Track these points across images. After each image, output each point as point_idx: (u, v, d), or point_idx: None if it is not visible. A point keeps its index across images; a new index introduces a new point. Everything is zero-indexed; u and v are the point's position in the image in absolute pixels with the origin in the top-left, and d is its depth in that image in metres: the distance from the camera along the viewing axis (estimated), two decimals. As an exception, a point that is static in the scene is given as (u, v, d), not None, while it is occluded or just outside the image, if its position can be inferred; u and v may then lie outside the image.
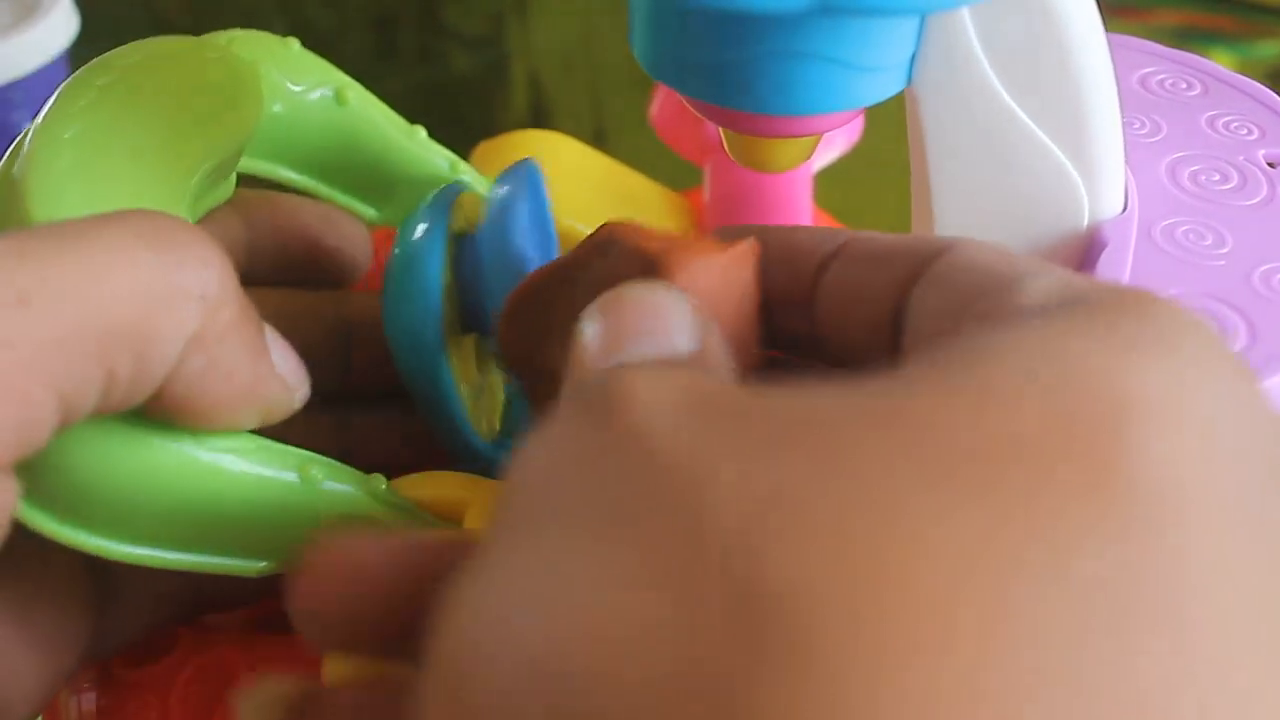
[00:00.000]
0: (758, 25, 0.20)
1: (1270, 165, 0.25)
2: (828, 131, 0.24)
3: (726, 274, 0.20)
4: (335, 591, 0.16)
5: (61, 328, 0.17)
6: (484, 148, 0.34)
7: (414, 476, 0.25)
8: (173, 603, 0.25)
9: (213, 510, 0.22)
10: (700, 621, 0.11)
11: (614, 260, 0.20)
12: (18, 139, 0.24)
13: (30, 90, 0.46)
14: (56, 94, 0.23)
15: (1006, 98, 0.22)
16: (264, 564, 0.23)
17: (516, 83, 0.51)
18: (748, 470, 0.12)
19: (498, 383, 0.29)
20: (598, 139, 0.38)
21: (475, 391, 0.28)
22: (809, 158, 0.25)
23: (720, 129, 0.24)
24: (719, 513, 0.11)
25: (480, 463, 0.27)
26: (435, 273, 0.25)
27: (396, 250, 0.26)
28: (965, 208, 0.24)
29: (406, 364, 0.26)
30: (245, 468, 0.22)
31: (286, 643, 0.25)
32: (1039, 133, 0.23)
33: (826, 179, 0.37)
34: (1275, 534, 0.12)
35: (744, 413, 0.13)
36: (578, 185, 0.33)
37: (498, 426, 0.29)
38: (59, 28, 0.47)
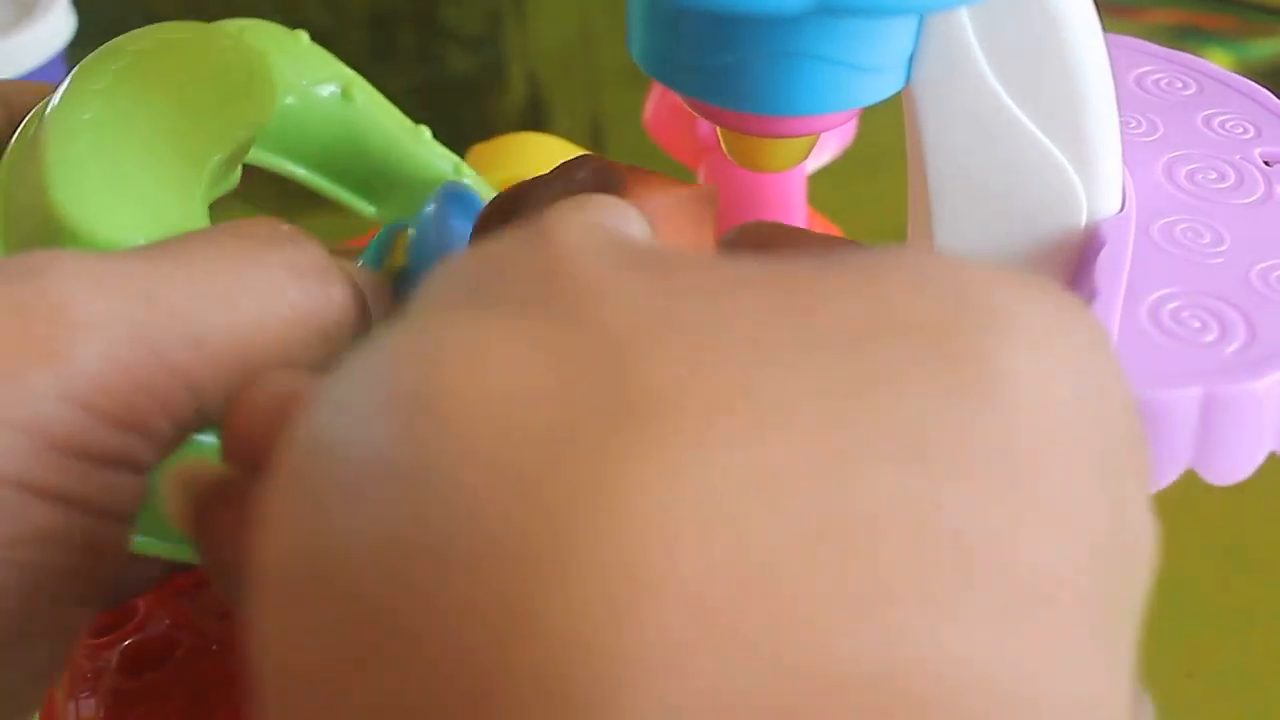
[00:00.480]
0: (756, 26, 0.20)
1: (1267, 164, 0.25)
2: (825, 131, 0.24)
3: (683, 207, 0.20)
4: (266, 418, 0.17)
5: (224, 366, 0.18)
6: (479, 150, 0.34)
7: None
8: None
9: None
10: (578, 391, 0.12)
11: (583, 178, 0.21)
12: (26, 120, 0.24)
13: (27, 90, 0.46)
14: (71, 76, 0.23)
15: (1005, 97, 0.22)
16: None
17: (514, 82, 0.51)
18: (649, 293, 0.13)
19: None
20: (595, 138, 0.38)
21: None
22: (806, 157, 0.25)
23: (717, 129, 0.24)
24: (615, 317, 0.13)
25: None
26: None
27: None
28: (963, 207, 0.24)
29: None
30: None
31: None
32: (1037, 132, 0.23)
33: (820, 180, 0.37)
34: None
35: (658, 260, 0.14)
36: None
37: None
38: (56, 28, 0.47)
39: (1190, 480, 0.34)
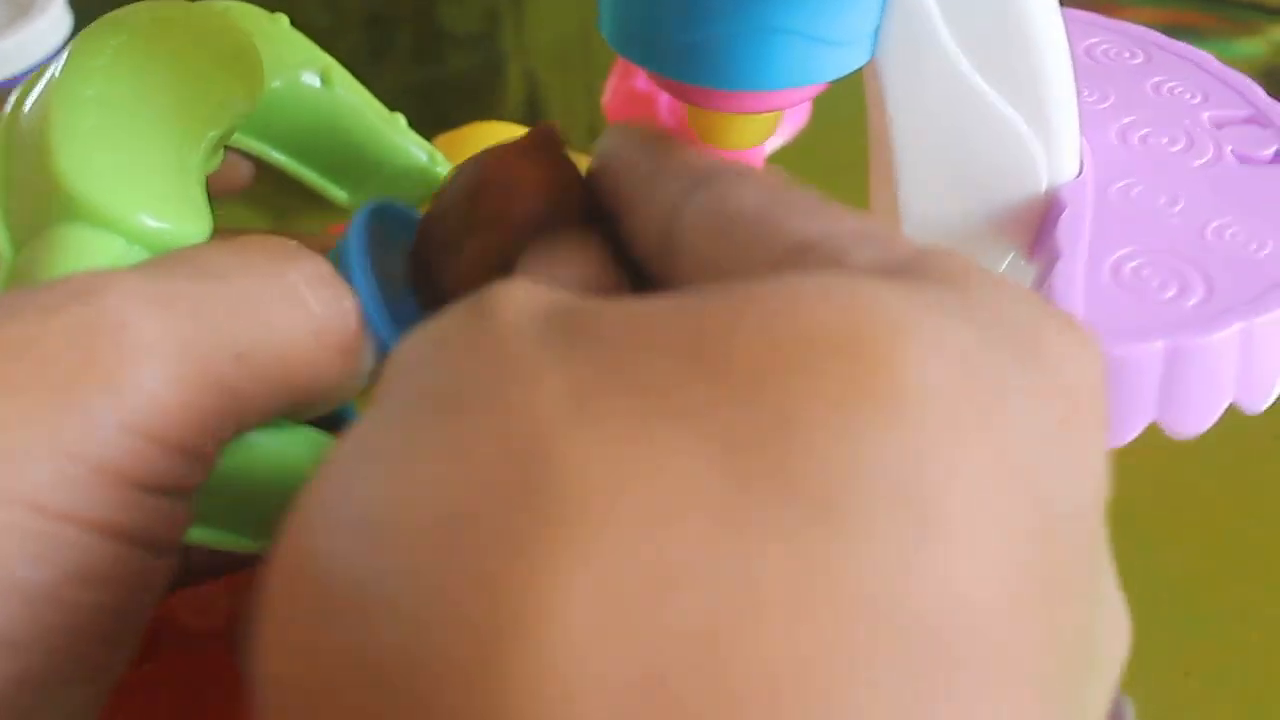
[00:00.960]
0: (719, 1, 0.21)
1: (1217, 127, 0.26)
2: (791, 106, 0.25)
3: (518, 157, 0.22)
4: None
5: (265, 381, 0.18)
6: (445, 139, 0.34)
7: None
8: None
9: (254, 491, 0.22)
10: (503, 493, 0.12)
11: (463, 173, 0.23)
12: (20, 86, 0.23)
13: (23, 90, 0.46)
14: (71, 50, 0.23)
15: (968, 68, 0.23)
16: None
17: (512, 81, 0.51)
18: (574, 369, 0.13)
19: None
20: (592, 137, 0.38)
21: None
22: (771, 134, 0.25)
23: (686, 106, 0.25)
24: (542, 403, 0.13)
25: None
26: None
27: None
28: (927, 176, 0.24)
29: None
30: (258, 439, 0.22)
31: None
32: (999, 102, 0.23)
33: (777, 162, 0.38)
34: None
35: (585, 322, 0.14)
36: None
37: None
38: (53, 27, 0.47)
39: (1189, 480, 0.34)
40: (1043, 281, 0.23)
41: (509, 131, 0.35)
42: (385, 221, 0.24)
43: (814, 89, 0.23)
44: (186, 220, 0.23)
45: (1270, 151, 0.26)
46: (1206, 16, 0.49)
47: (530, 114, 0.50)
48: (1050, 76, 0.23)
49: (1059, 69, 0.23)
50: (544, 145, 0.22)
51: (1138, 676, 0.32)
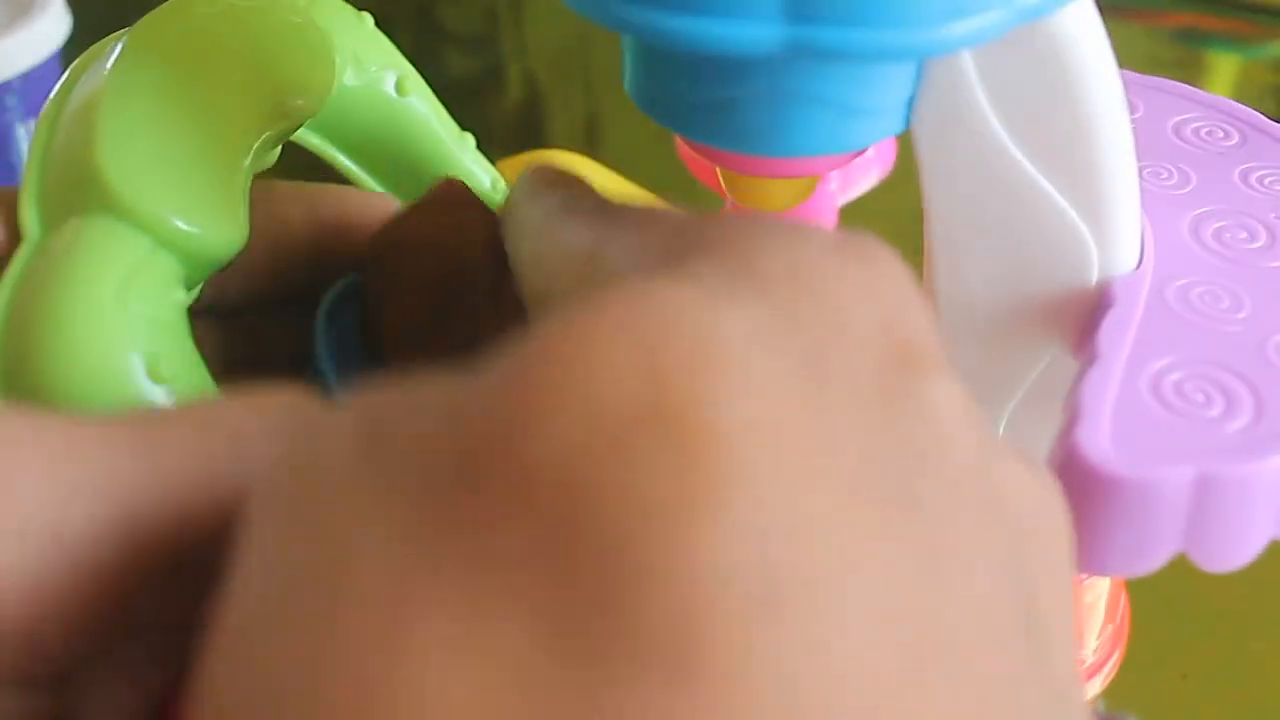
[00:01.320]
0: (742, 65, 0.20)
1: (1304, 224, 0.24)
2: (825, 172, 0.23)
3: (414, 216, 0.22)
4: None
5: None
6: (503, 166, 0.34)
7: None
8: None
9: None
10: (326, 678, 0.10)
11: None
12: (77, 61, 0.23)
13: (22, 91, 0.46)
14: (134, 30, 0.23)
15: (1010, 144, 0.21)
16: None
17: (511, 82, 0.51)
18: (387, 549, 0.11)
19: None
20: (591, 138, 0.37)
21: None
22: (806, 197, 0.24)
23: (716, 167, 0.23)
24: (363, 597, 0.11)
25: None
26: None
27: None
28: (966, 257, 0.23)
29: None
30: None
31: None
32: (1045, 183, 0.21)
33: (857, 212, 0.36)
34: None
35: (404, 454, 0.12)
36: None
37: None
38: (52, 28, 0.47)
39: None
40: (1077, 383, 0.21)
41: (568, 161, 0.34)
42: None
43: (844, 156, 0.22)
44: (220, 227, 0.22)
45: (1364, 256, 0.23)
46: (1230, 20, 0.46)
47: (530, 115, 0.49)
48: (1104, 156, 0.21)
49: (1115, 148, 0.21)
50: (442, 202, 0.21)
51: (1136, 679, 0.30)
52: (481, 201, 0.23)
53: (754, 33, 0.17)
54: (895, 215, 0.23)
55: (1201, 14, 0.46)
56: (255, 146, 0.23)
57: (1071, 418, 0.20)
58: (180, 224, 0.21)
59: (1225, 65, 0.46)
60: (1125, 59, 0.28)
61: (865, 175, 0.36)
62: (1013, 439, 0.25)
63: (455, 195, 0.22)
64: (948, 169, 0.22)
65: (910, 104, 0.21)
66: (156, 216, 0.21)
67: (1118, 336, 0.21)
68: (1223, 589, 0.32)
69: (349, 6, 0.27)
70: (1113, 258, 0.22)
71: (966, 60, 0.20)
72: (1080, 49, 0.20)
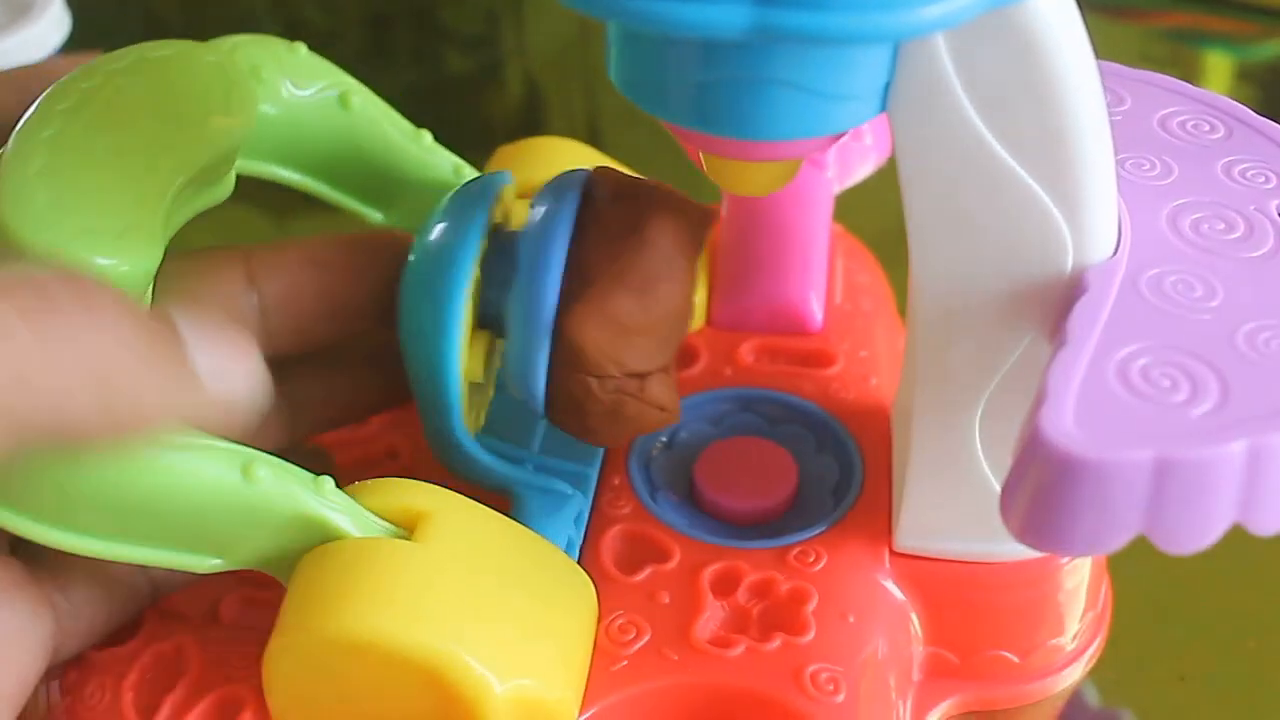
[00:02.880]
0: (714, 48, 0.20)
1: (1283, 216, 0.24)
2: (802, 156, 0.23)
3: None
4: None
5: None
6: (502, 152, 0.34)
7: (372, 482, 0.25)
8: (127, 593, 0.26)
9: (158, 507, 0.22)
10: None
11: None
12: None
13: (22, 91, 0.47)
14: (43, 96, 0.24)
15: (985, 132, 0.21)
16: (218, 561, 0.24)
17: (511, 82, 0.51)
18: None
19: (491, 379, 0.29)
20: (592, 138, 0.38)
21: (473, 389, 0.28)
22: (788, 180, 0.24)
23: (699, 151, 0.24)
24: None
25: (462, 461, 0.27)
26: (465, 278, 0.25)
27: (429, 240, 0.26)
28: (941, 244, 0.23)
29: (416, 359, 0.26)
30: (188, 466, 0.22)
31: (246, 638, 0.25)
32: (1020, 171, 0.22)
33: (854, 200, 0.36)
34: None
35: None
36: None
37: (482, 422, 0.29)
38: (51, 29, 0.47)
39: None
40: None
41: (565, 146, 0.34)
42: None
43: (822, 140, 0.22)
44: (129, 255, 0.23)
45: (1342, 249, 0.23)
46: (1226, 20, 0.46)
47: (530, 115, 0.50)
48: (1079, 144, 0.21)
49: (1090, 137, 0.21)
50: None
51: (1134, 680, 0.30)
52: None
53: (721, 15, 0.17)
54: (892, 203, 0.24)
55: (1199, 14, 0.45)
56: (178, 184, 0.24)
57: (1036, 400, 0.20)
58: (87, 255, 0.22)
59: (1220, 64, 0.46)
60: (1119, 57, 0.28)
61: (863, 163, 0.36)
62: (991, 424, 0.25)
63: None
64: (923, 155, 0.22)
65: (886, 90, 0.21)
66: (61, 251, 0.22)
67: (1087, 322, 0.21)
68: (1221, 589, 0.32)
69: (278, 40, 0.28)
70: (1088, 245, 0.22)
71: (940, 46, 0.21)
72: (1055, 36, 0.20)
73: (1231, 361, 0.21)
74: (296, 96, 0.28)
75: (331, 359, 0.29)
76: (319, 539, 0.23)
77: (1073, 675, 0.29)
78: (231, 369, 0.21)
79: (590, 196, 0.27)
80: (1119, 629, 0.30)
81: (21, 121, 0.23)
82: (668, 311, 0.25)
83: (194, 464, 0.22)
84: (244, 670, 0.25)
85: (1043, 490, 0.19)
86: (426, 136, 0.30)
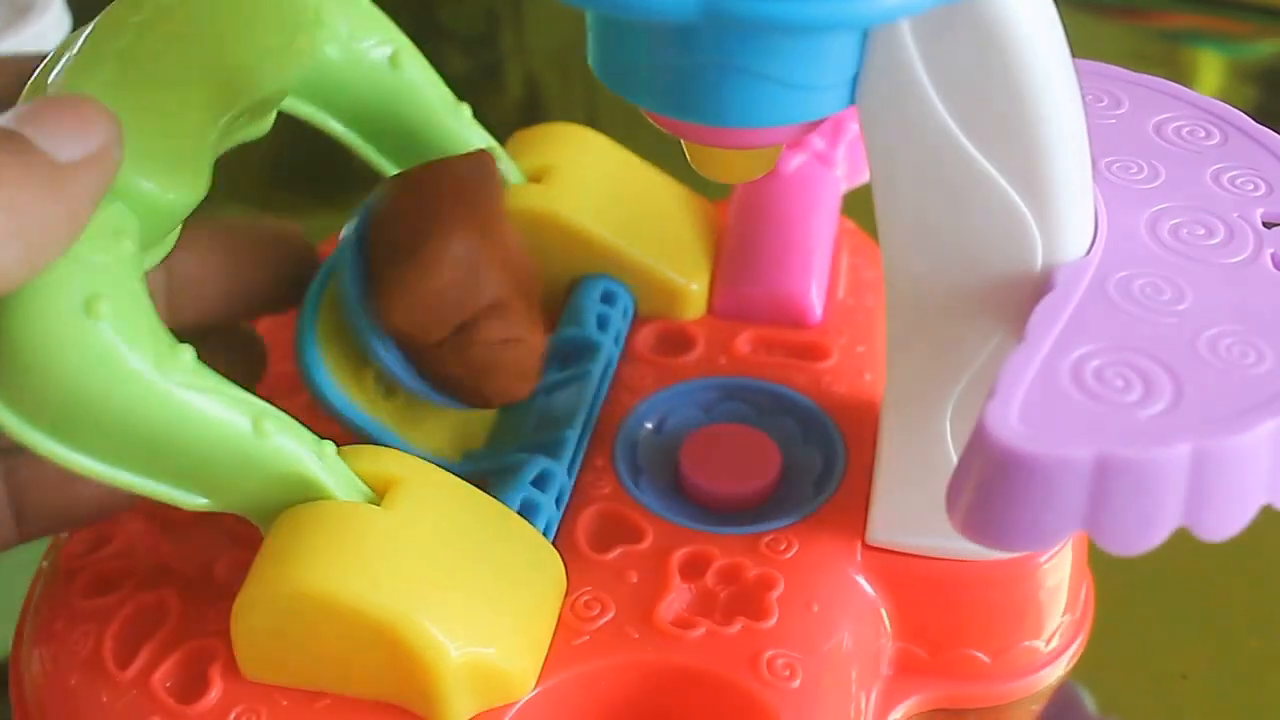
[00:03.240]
0: (678, 35, 0.20)
1: (1266, 225, 0.24)
2: (776, 144, 0.24)
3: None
4: None
5: None
6: (519, 136, 0.35)
7: (357, 448, 0.26)
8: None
9: (164, 442, 0.23)
10: None
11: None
12: (63, 41, 0.25)
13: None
14: (113, 4, 0.24)
15: (953, 126, 0.21)
16: (205, 501, 0.24)
17: (511, 82, 0.52)
18: None
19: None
20: None
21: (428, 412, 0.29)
22: (768, 169, 0.24)
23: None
24: None
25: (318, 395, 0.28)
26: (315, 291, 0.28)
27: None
28: (910, 239, 0.23)
29: None
30: (201, 404, 0.23)
31: (227, 595, 0.26)
32: (988, 166, 0.22)
33: (864, 199, 0.36)
34: None
35: None
36: (597, 182, 0.33)
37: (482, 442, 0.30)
38: (51, 29, 0.48)
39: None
40: (1006, 365, 0.21)
41: (579, 133, 0.35)
42: None
43: (799, 128, 0.22)
44: (178, 186, 0.23)
45: (1321, 261, 0.23)
46: (1223, 20, 0.45)
47: (530, 115, 0.50)
48: (1048, 140, 0.21)
49: (1061, 132, 0.21)
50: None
51: (1135, 678, 0.30)
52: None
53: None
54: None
55: (1197, 14, 0.45)
56: (233, 113, 0.24)
57: (987, 396, 0.20)
58: (130, 177, 0.22)
59: (1214, 64, 0.45)
60: (1113, 57, 0.28)
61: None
62: (961, 421, 0.25)
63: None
64: (891, 148, 0.22)
65: (855, 81, 0.21)
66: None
67: (1048, 320, 0.21)
68: (1222, 589, 0.32)
69: None
70: (1058, 243, 0.22)
71: (907, 37, 0.21)
72: (1024, 29, 0.20)
73: (1190, 365, 0.20)
74: (353, 46, 0.28)
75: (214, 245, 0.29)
76: (306, 497, 0.24)
77: (1049, 678, 0.29)
78: (85, 133, 0.21)
79: (371, 212, 0.28)
80: (1119, 629, 0.30)
81: (95, 24, 0.24)
82: (455, 259, 0.27)
83: (208, 406, 0.23)
84: (218, 625, 0.25)
85: (984, 484, 0.19)
86: (466, 111, 0.30)
